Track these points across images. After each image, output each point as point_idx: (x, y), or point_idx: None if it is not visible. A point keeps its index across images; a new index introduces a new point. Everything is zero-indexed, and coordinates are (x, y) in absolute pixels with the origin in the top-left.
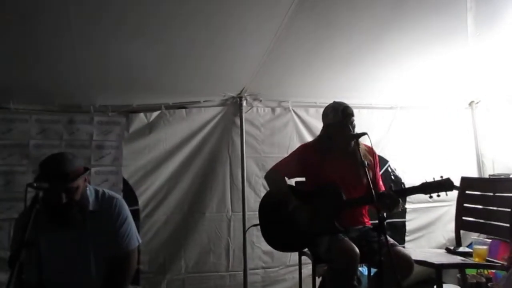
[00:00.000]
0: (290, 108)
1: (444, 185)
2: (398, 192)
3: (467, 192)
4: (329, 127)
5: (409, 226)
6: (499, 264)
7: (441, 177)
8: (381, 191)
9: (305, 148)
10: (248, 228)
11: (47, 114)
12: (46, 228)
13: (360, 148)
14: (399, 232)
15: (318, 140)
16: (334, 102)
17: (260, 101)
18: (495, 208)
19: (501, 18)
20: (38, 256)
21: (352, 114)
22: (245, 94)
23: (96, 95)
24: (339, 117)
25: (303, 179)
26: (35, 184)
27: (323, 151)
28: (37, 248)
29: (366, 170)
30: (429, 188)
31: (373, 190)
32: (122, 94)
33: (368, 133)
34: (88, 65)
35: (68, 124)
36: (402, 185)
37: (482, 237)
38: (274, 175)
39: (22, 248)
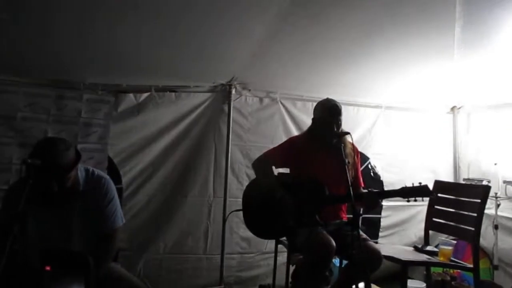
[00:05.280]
0: (278, 99)
1: (421, 191)
2: (379, 194)
3: (439, 195)
4: (316, 121)
5: (383, 222)
6: (462, 265)
7: (420, 183)
8: (361, 190)
9: (293, 140)
10: (229, 213)
11: (36, 88)
12: (35, 202)
13: (344, 146)
14: (374, 227)
15: (307, 134)
16: (326, 99)
17: (249, 90)
18: (463, 212)
19: (487, 29)
20: (25, 229)
21: (339, 113)
22: (235, 83)
23: (86, 73)
24: (326, 113)
25: (287, 170)
26: (29, 160)
27: (310, 145)
28: (24, 221)
29: (346, 168)
30: (408, 193)
31: (351, 190)
32: (112, 73)
33: (353, 130)
34: (80, 42)
35: (57, 99)
36: (381, 184)
37: (449, 238)
38: (263, 164)
39: (16, 221)
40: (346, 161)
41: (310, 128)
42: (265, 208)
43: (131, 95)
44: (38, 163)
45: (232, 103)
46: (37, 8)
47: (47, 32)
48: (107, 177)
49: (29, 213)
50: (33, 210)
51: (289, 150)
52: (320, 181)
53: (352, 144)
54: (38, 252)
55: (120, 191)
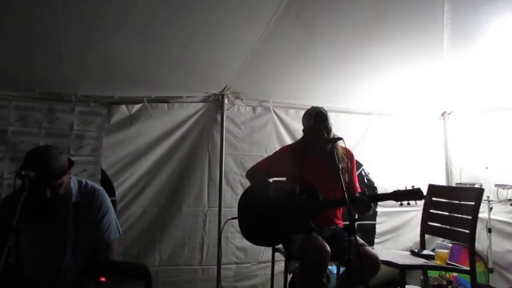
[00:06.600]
0: (271, 108)
1: (414, 194)
2: (371, 198)
3: (433, 198)
4: (306, 131)
5: (379, 228)
6: (459, 268)
7: (412, 186)
8: (355, 195)
9: (286, 150)
10: (226, 221)
11: (27, 101)
12: (28, 215)
13: (337, 151)
14: (369, 234)
15: (299, 142)
16: (311, 107)
17: (242, 99)
18: (458, 215)
19: (475, 34)
20: (19, 242)
21: (324, 119)
22: (227, 92)
23: (78, 85)
24: (311, 122)
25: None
26: (23, 172)
27: (303, 153)
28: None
29: (340, 174)
30: (400, 196)
31: (346, 194)
32: (104, 85)
33: (345, 137)
34: (71, 54)
35: (49, 112)
36: (375, 189)
37: (445, 242)
38: (257, 172)
39: (11, 233)
40: (340, 166)
41: (302, 138)
42: (260, 214)
43: (123, 106)
44: (33, 174)
45: (225, 113)
46: (26, 22)
47: (36, 45)
48: (101, 188)
49: (22, 226)
50: (26, 224)
51: (281, 159)
52: (313, 186)
53: (346, 149)
54: (30, 265)
55: (113, 203)
